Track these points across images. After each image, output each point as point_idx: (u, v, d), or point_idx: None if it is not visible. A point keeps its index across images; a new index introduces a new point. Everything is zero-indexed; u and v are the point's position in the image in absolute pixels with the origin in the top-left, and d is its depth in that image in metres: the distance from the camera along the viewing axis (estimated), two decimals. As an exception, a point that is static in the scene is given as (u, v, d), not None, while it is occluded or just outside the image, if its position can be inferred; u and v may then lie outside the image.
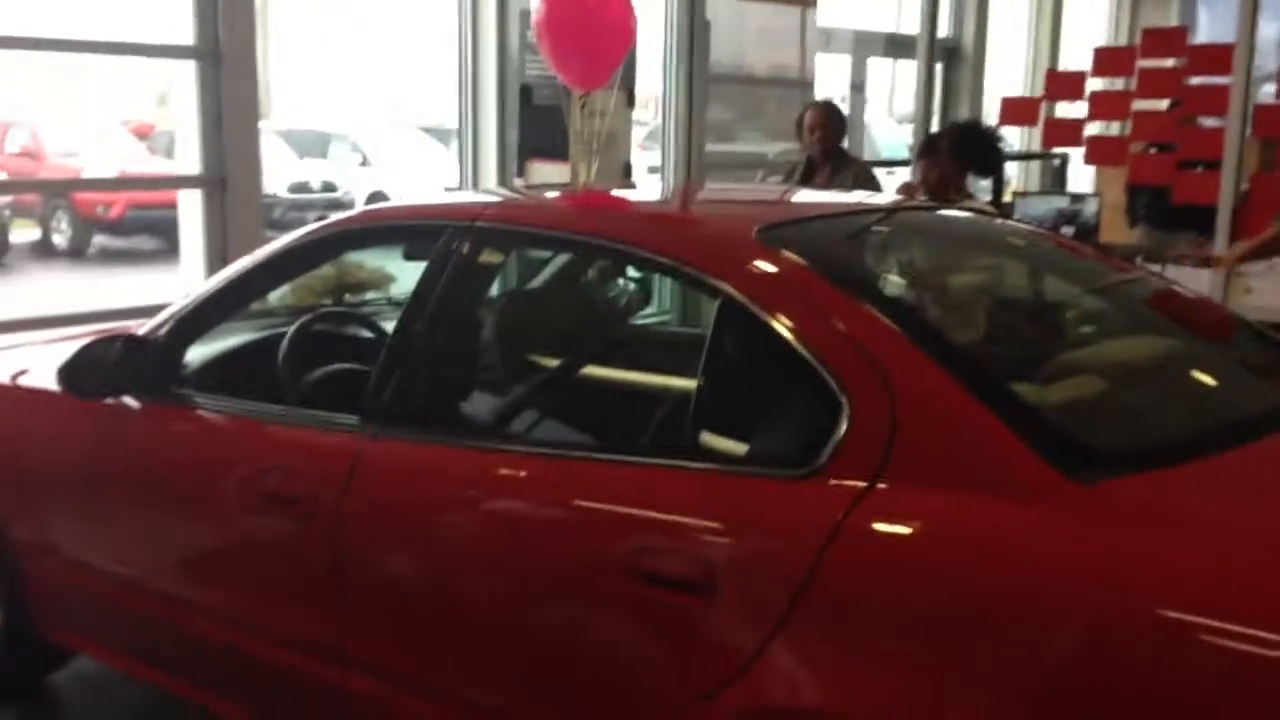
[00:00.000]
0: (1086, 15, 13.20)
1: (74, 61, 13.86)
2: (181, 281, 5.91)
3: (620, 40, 3.94)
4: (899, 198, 4.40)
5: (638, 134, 9.25)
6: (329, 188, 14.45)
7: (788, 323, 2.15)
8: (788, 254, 2.30)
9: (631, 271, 2.54)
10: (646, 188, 3.44)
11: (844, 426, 2.02)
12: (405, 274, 3.40)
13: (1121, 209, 6.37)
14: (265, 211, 9.86)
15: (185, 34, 5.53)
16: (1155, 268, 5.48)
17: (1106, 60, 5.97)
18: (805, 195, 3.65)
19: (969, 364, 2.14)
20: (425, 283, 2.68)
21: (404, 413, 2.54)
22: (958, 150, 4.41)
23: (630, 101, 6.91)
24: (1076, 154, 6.48)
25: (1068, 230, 6.51)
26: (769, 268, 2.27)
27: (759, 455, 2.16)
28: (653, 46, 8.11)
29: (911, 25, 9.02)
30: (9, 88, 13.13)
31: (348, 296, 3.48)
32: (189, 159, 5.74)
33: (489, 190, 4.99)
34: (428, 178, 14.31)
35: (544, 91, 6.52)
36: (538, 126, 6.59)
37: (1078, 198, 7.35)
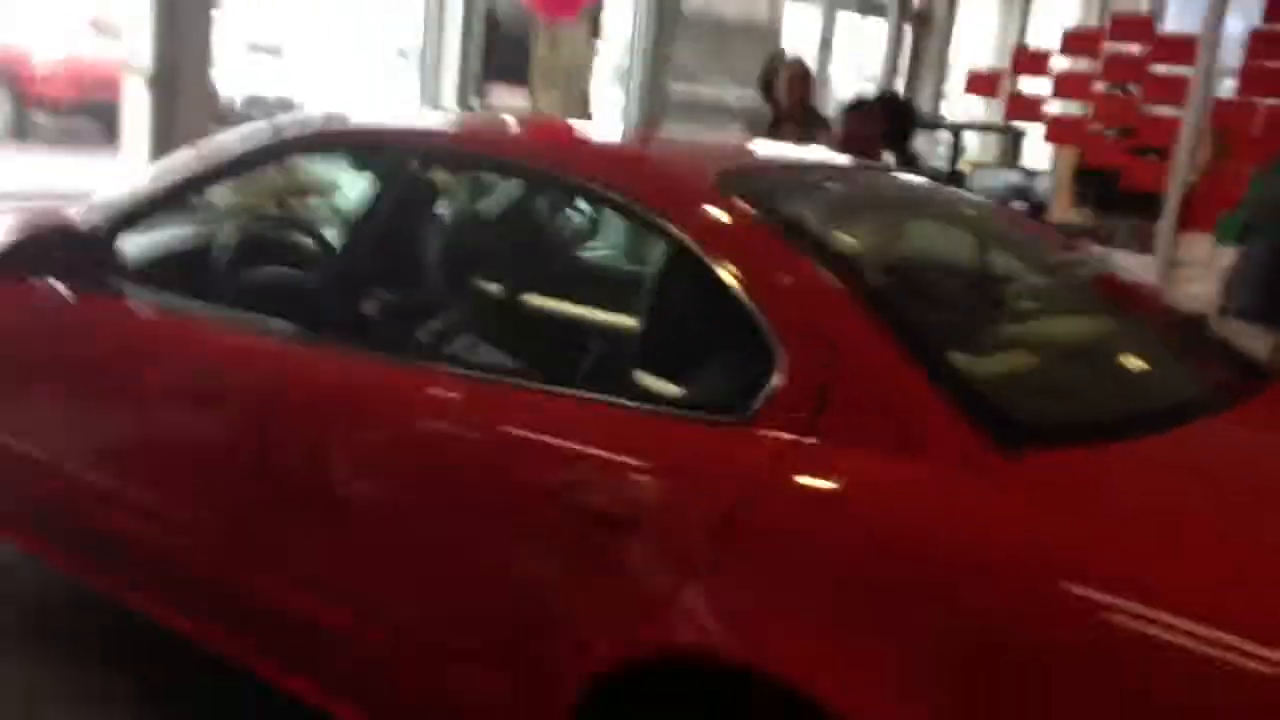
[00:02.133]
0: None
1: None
2: (122, 172, 5.79)
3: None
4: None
5: (605, 70, 9.21)
6: (286, 104, 14.10)
7: (733, 270, 2.15)
8: (742, 203, 2.29)
9: (582, 204, 2.51)
10: (608, 125, 3.41)
11: (777, 378, 2.03)
12: (351, 183, 3.35)
13: (1069, 188, 6.44)
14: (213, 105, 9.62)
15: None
16: (1100, 249, 5.57)
17: (1074, 41, 6.00)
18: (770, 148, 3.62)
19: (907, 328, 2.15)
20: (372, 199, 2.64)
21: (339, 325, 2.51)
22: (889, 118, 4.50)
23: (596, 33, 6.84)
24: (1036, 131, 6.52)
25: (1019, 204, 6.58)
26: (722, 214, 2.26)
27: (692, 399, 2.17)
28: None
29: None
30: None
31: (291, 199, 3.41)
32: (139, 49, 5.60)
33: (445, 111, 4.89)
34: (391, 96, 14.04)
35: (510, 16, 6.44)
36: (502, 52, 6.51)
37: (1031, 173, 7.43)
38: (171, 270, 2.94)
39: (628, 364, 2.27)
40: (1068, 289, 2.98)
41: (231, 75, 12.77)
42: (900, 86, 8.94)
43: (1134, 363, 2.69)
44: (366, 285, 2.59)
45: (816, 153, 3.50)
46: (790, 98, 5.38)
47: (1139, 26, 5.92)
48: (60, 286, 2.84)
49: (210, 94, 5.82)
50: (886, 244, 2.72)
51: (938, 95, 10.51)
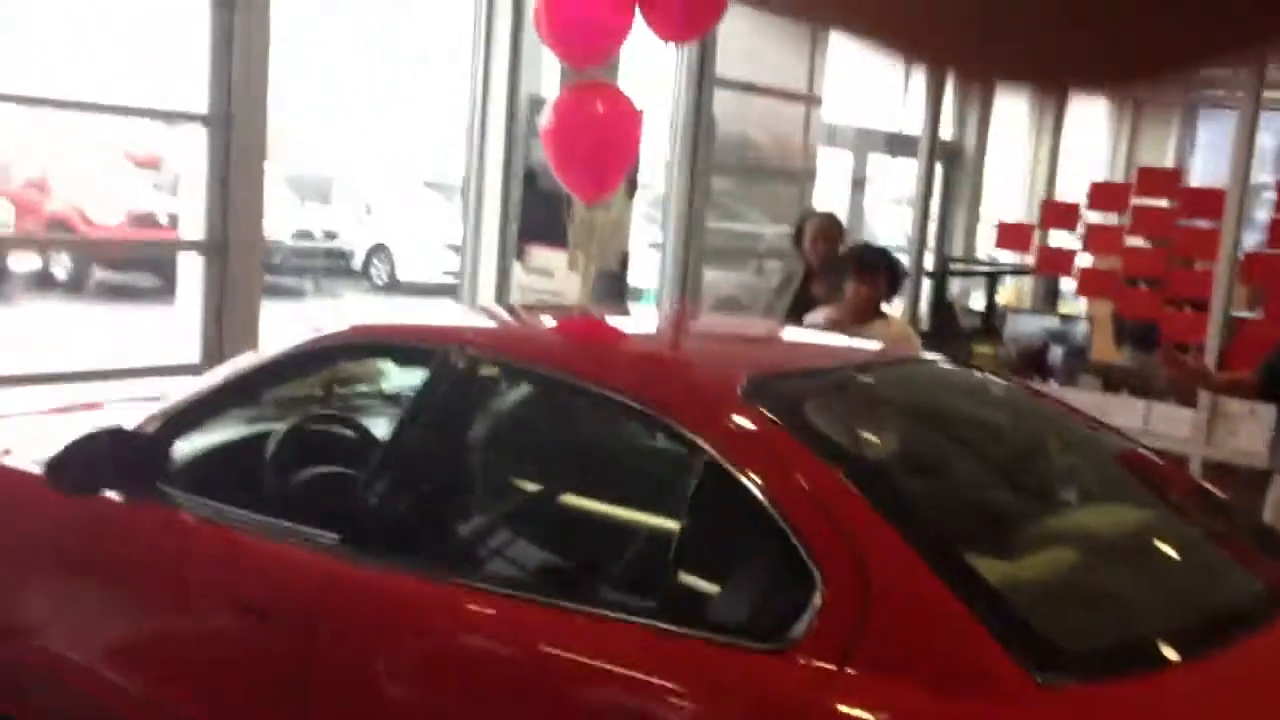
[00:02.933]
0: (1085, 122, 13.46)
1: (84, 81, 13.96)
2: (177, 333, 5.96)
3: (627, 155, 4.01)
4: (831, 324, 4.48)
5: (641, 203, 9.43)
6: (331, 236, 14.52)
7: (766, 489, 2.19)
8: (772, 416, 2.35)
9: (616, 416, 2.56)
10: (640, 318, 3.49)
11: (816, 604, 2.05)
12: (395, 376, 3.45)
13: (1110, 330, 6.45)
14: (266, 259, 9.91)
15: (198, 100, 5.62)
16: (1141, 404, 5.56)
17: (1101, 195, 6.09)
18: (800, 339, 3.68)
19: (942, 544, 2.17)
20: (409, 406, 2.73)
21: (382, 539, 2.56)
22: (891, 276, 4.62)
23: (632, 191, 7.01)
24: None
25: (1058, 349, 6.60)
26: (753, 430, 2.32)
27: (729, 622, 2.19)
28: (658, 125, 8.25)
29: (914, 126, 9.19)
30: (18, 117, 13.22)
31: (338, 389, 3.51)
32: (192, 222, 5.80)
33: (482, 308, 4.99)
34: (430, 231, 14.43)
35: (548, 178, 6.63)
36: (540, 210, 6.67)
37: (1067, 318, 7.45)
38: (222, 475, 3.01)
39: (664, 583, 2.29)
40: (1100, 475, 2.99)
41: (278, 220, 13.21)
42: (932, 227, 9.05)
43: (1177, 563, 2.66)
44: (401, 496, 2.65)
45: (844, 344, 3.56)
46: (815, 253, 5.46)
47: (1166, 179, 6.01)
48: (114, 495, 2.92)
49: (261, 259, 6.00)
50: (919, 446, 2.75)
51: (971, 235, 10.63)
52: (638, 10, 3.67)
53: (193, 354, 5.72)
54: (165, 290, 9.54)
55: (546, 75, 6.70)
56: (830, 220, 5.76)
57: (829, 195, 11.70)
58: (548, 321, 3.45)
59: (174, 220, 8.01)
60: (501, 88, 6.91)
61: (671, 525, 2.37)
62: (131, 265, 12.61)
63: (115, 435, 2.96)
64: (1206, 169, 11.87)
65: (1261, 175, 6.81)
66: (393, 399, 3.35)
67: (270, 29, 5.82)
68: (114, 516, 2.93)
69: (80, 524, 3.00)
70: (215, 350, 5.66)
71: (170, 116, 6.16)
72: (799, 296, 5.48)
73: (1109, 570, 2.49)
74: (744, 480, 2.22)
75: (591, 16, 3.63)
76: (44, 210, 12.79)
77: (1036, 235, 6.15)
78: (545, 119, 3.88)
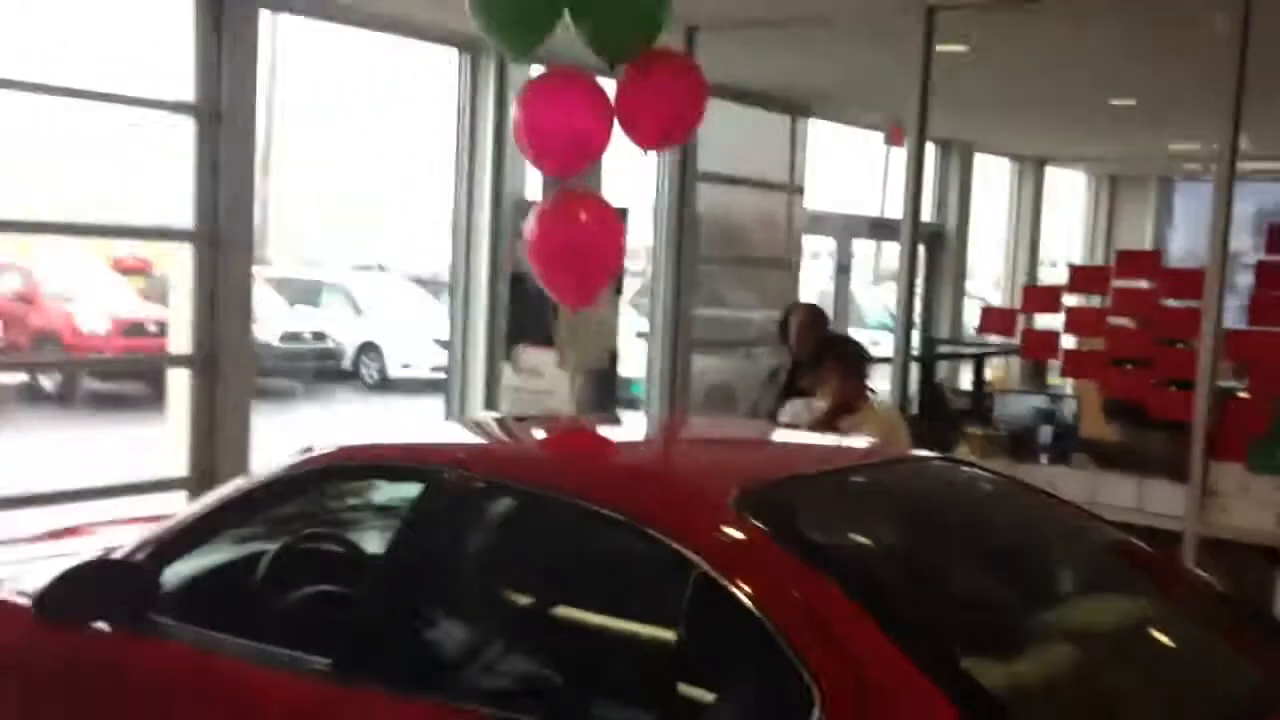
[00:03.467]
0: (1065, 200, 13.67)
1: (73, 198, 14.10)
2: (167, 448, 5.95)
3: (611, 264, 4.05)
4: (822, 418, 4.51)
5: (629, 291, 9.52)
6: (320, 337, 14.58)
7: (763, 606, 2.18)
8: (764, 527, 2.35)
9: (608, 532, 2.56)
10: (630, 426, 3.52)
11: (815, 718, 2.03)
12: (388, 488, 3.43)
13: (1099, 406, 6.47)
14: (257, 362, 9.90)
15: (184, 217, 5.68)
16: (1132, 481, 5.56)
17: (1082, 278, 6.16)
18: (792, 441, 3.69)
19: (939, 652, 2.17)
20: (399, 530, 2.72)
21: (372, 662, 2.54)
22: (862, 364, 4.70)
23: (618, 290, 7.07)
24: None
25: (1047, 429, 6.61)
26: (745, 541, 2.32)
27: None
28: (644, 216, 8.37)
29: (896, 209, 9.33)
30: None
31: (328, 505, 3.50)
32: (181, 334, 5.83)
33: (472, 423, 4.97)
34: (418, 328, 14.50)
35: (535, 279, 6.68)
36: (527, 310, 6.72)
37: (1056, 397, 7.48)
38: (214, 601, 2.99)
39: (661, 701, 2.28)
40: (1094, 569, 2.98)
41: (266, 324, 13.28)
42: (918, 307, 9.14)
43: (1174, 656, 2.65)
44: (391, 619, 2.62)
45: (833, 444, 3.57)
46: (801, 344, 5.49)
47: (1145, 261, 6.09)
48: (104, 627, 2.89)
49: (251, 374, 6.02)
50: (911, 549, 2.74)
51: (956, 315, 10.72)
52: (616, 122, 3.73)
53: (181, 468, 5.72)
54: (155, 399, 9.54)
55: (531, 176, 6.80)
56: (814, 311, 5.80)
57: (815, 280, 11.84)
58: (537, 435, 3.45)
59: (163, 328, 8.03)
60: (486, 189, 7.02)
61: (667, 641, 2.35)
62: (121, 374, 12.63)
63: (103, 565, 2.95)
64: (1187, 239, 12.05)
65: (1242, 239, 6.90)
66: (384, 516, 3.34)
67: (254, 144, 5.92)
68: (105, 649, 2.90)
69: (71, 657, 2.96)
70: (206, 464, 5.66)
71: (158, 234, 6.21)
72: (787, 388, 5.50)
73: (1106, 667, 2.47)
74: (738, 594, 2.22)
75: (569, 130, 3.68)
76: (30, 323, 12.83)
77: (1020, 319, 6.20)
78: (528, 228, 3.92)
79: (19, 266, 13.76)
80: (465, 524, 2.73)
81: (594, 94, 3.75)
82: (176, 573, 3.03)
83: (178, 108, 5.64)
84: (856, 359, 4.70)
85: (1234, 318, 6.28)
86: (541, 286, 4.08)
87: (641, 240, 8.85)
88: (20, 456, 9.48)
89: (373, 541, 3.22)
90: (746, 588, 2.21)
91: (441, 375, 8.04)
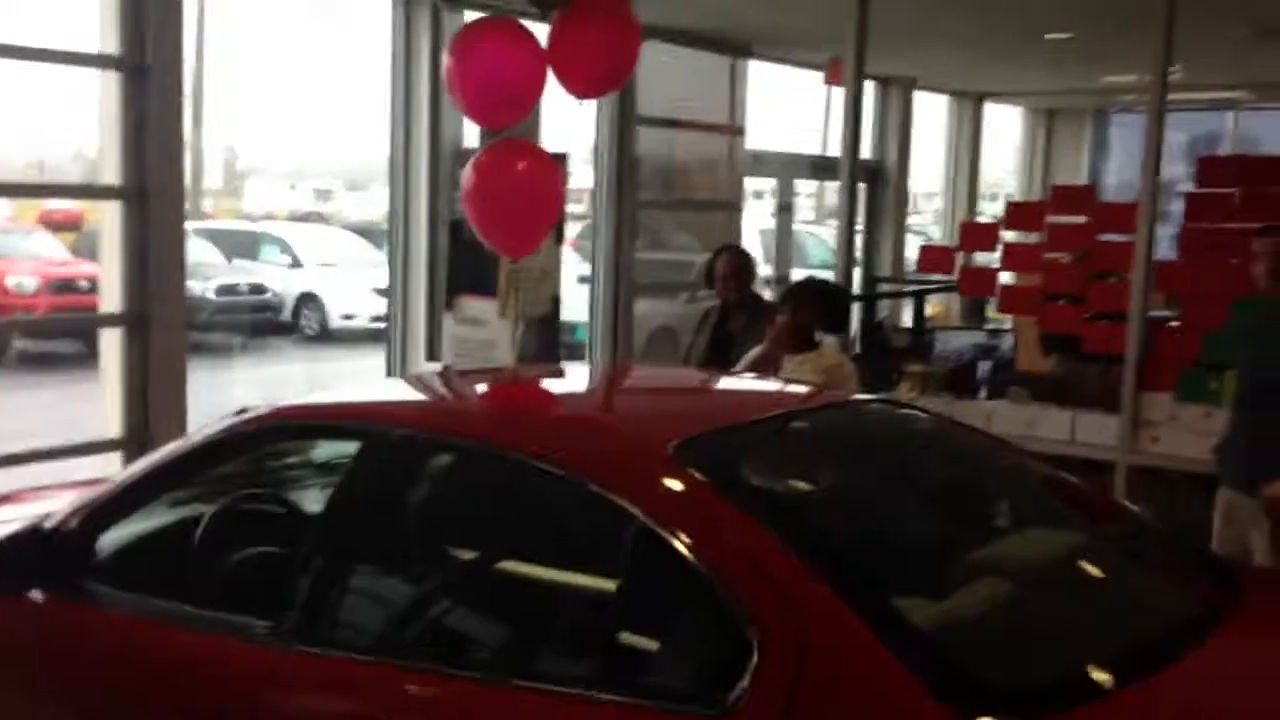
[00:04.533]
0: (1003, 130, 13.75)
1: None
2: (101, 408, 5.85)
3: (550, 214, 4.01)
4: (765, 357, 4.53)
5: (570, 235, 9.48)
6: (258, 289, 14.35)
7: (701, 554, 2.20)
8: (702, 477, 2.36)
9: (546, 484, 2.56)
10: (570, 376, 3.50)
11: (753, 667, 2.06)
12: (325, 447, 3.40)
13: (1037, 340, 6.56)
14: (194, 317, 9.74)
15: (110, 174, 5.54)
16: (1067, 414, 5.65)
17: (1019, 215, 6.20)
18: (725, 384, 3.70)
19: (875, 595, 2.20)
20: (340, 490, 2.70)
21: (318, 625, 2.53)
22: (826, 305, 4.69)
23: (559, 238, 7.02)
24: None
25: (985, 363, 6.70)
26: (683, 491, 2.33)
27: (667, 689, 2.19)
28: (584, 160, 8.31)
29: (837, 149, 9.34)
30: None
31: (266, 465, 3.46)
32: (112, 292, 5.71)
33: (412, 379, 4.86)
34: (358, 278, 14.32)
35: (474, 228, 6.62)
36: (468, 259, 6.65)
37: (995, 332, 7.57)
38: (149, 568, 2.96)
39: (602, 652, 2.29)
40: (1027, 504, 3.04)
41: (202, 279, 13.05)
42: (859, 245, 9.17)
43: (1106, 587, 2.71)
44: (331, 579, 2.60)
45: (773, 390, 3.58)
46: (727, 288, 5.43)
47: (1080, 196, 6.15)
48: (37, 595, 2.85)
49: (182, 331, 5.91)
50: (849, 493, 2.78)
51: (899, 252, 10.77)
52: (549, 70, 3.67)
53: (116, 430, 5.62)
54: (90, 357, 9.38)
55: (469, 125, 6.71)
56: (739, 254, 5.74)
57: (757, 220, 11.84)
58: (477, 389, 3.43)
59: (95, 284, 7.86)
60: (424, 138, 6.91)
61: (609, 593, 2.37)
62: (54, 331, 12.35)
63: (35, 533, 2.90)
64: (1123, 169, 12.18)
65: (1177, 168, 6.97)
66: (322, 475, 3.31)
67: (182, 97, 5.77)
68: (40, 618, 2.87)
69: (7, 627, 2.92)
70: (140, 424, 5.57)
71: (86, 193, 6.05)
72: (716, 332, 5.47)
73: (1039, 601, 2.53)
74: (676, 544, 2.23)
75: (502, 79, 3.62)
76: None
77: (959, 257, 6.24)
78: (466, 180, 3.87)
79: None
80: (403, 482, 2.71)
81: (525, 42, 3.69)
82: (111, 539, 2.99)
83: (102, 61, 5.47)
84: (800, 298, 4.68)
85: (1167, 246, 6.39)
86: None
87: (582, 183, 8.82)
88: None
89: (312, 502, 3.19)
90: (685, 538, 2.23)
91: (383, 326, 7.95)
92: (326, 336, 14.36)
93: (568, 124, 6.73)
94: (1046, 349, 6.46)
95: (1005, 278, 6.16)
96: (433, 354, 6.93)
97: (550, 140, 6.54)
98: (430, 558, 2.75)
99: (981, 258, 6.67)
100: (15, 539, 2.86)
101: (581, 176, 8.41)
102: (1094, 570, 2.80)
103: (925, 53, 9.27)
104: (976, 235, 6.41)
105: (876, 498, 2.77)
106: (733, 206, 9.56)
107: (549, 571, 2.58)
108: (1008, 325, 7.20)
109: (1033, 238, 6.11)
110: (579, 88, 3.76)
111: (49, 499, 3.44)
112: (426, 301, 6.97)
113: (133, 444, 5.49)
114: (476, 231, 3.94)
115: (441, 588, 2.67)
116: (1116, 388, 5.51)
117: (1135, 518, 3.15)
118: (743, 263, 5.57)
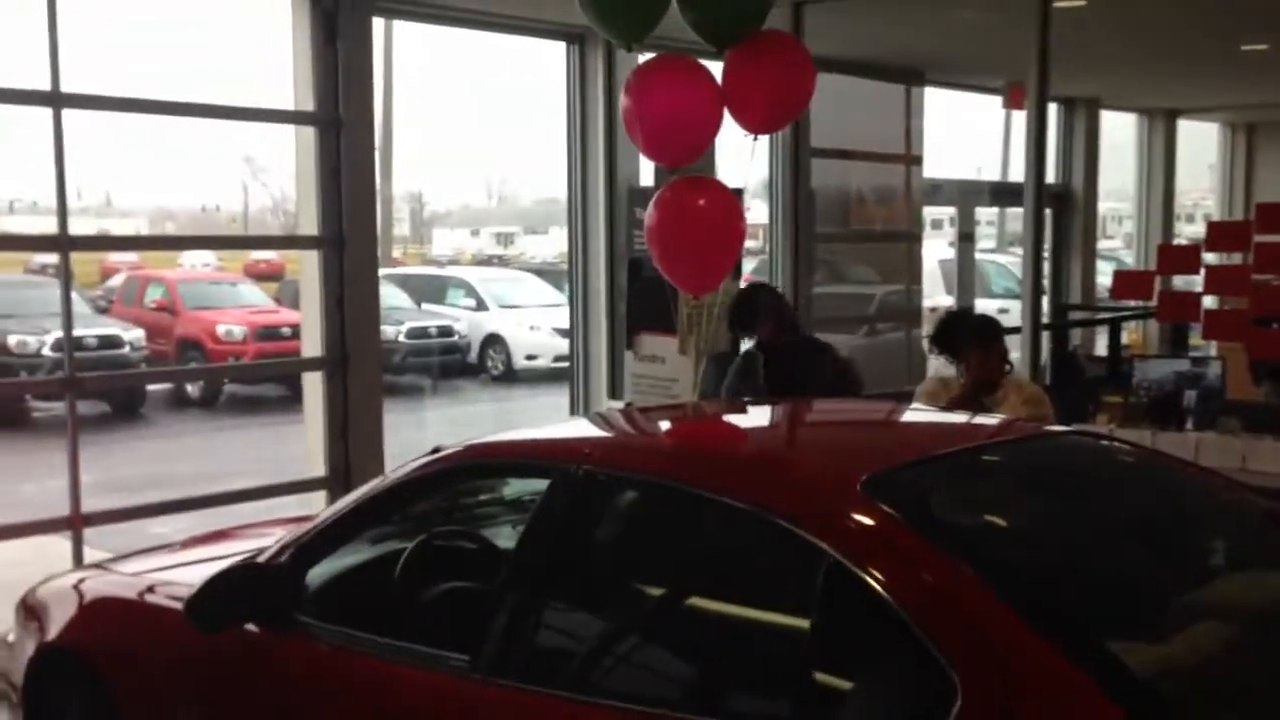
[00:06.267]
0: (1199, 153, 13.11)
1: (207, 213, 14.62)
2: (306, 448, 6.13)
3: (731, 250, 4.01)
4: (963, 398, 4.39)
5: (747, 266, 9.47)
6: (446, 332, 14.84)
7: (896, 594, 2.14)
8: (893, 512, 2.31)
9: (738, 524, 2.54)
10: (754, 415, 3.44)
11: (956, 711, 1.98)
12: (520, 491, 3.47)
13: (1245, 368, 6.20)
14: (386, 360, 10.13)
15: (309, 225, 5.83)
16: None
17: (1221, 235, 5.88)
18: (914, 417, 3.60)
19: (1084, 636, 2.10)
20: (532, 526, 2.75)
21: (513, 659, 2.57)
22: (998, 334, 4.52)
23: (737, 274, 7.03)
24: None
25: (1191, 393, 6.35)
26: (874, 528, 2.28)
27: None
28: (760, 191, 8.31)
29: (1019, 174, 9.08)
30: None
31: (462, 501, 3.55)
32: (311, 341, 5.99)
33: (600, 417, 4.73)
34: (541, 319, 14.68)
35: (653, 265, 6.68)
36: (647, 296, 6.72)
37: (1200, 360, 7.18)
38: (353, 601, 3.06)
39: (797, 693, 2.25)
40: (1245, 542, 2.85)
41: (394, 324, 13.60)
42: (1047, 270, 8.88)
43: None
44: (525, 615, 2.64)
45: (964, 422, 3.48)
46: (764, 330, 4.88)
47: (1288, 212, 5.78)
48: (251, 628, 2.99)
49: (379, 373, 6.15)
50: (1050, 529, 2.65)
51: (1088, 279, 10.37)
52: (725, 107, 3.69)
53: (319, 469, 5.88)
54: (290, 400, 9.88)
55: (645, 162, 6.80)
56: (771, 295, 5.22)
57: (937, 249, 11.60)
58: (661, 426, 3.45)
59: (296, 330, 8.29)
60: (600, 177, 7.04)
61: (800, 631, 2.32)
62: (260, 376, 13.06)
63: (248, 570, 3.05)
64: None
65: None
66: (514, 511, 3.38)
67: (373, 149, 6.05)
68: (254, 649, 3.00)
69: (224, 659, 3.07)
70: (341, 463, 5.82)
71: (289, 243, 6.39)
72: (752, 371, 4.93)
73: (1268, 649, 2.36)
74: (869, 580, 2.18)
75: (679, 117, 3.66)
76: (174, 332, 13.37)
77: (1157, 281, 5.96)
78: (647, 216, 3.91)
79: (163, 278, 14.39)
80: (594, 518, 2.74)
81: (701, 80, 3.72)
82: (318, 573, 3.12)
83: (302, 118, 5.79)
84: (991, 332, 4.57)
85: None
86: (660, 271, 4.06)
87: (756, 217, 8.82)
88: (170, 462, 9.93)
89: (505, 538, 3.26)
90: (878, 575, 2.17)
91: (565, 365, 8.10)
92: (511, 377, 14.74)
93: (741, 158, 6.76)
94: (1256, 377, 6.10)
95: (1208, 302, 5.84)
96: (614, 391, 7.01)
97: (724, 174, 6.58)
98: (619, 593, 2.76)
99: (1179, 281, 6.36)
100: (231, 573, 3.01)
101: (755, 210, 8.42)
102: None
103: (1110, 71, 8.94)
104: (1176, 258, 6.10)
105: (1081, 534, 2.64)
106: (912, 237, 9.41)
107: (739, 609, 2.55)
108: (1213, 352, 6.83)
109: (1237, 259, 5.78)
110: (754, 124, 3.77)
111: (261, 535, 3.62)
112: (607, 340, 7.07)
113: (335, 482, 5.74)
114: (660, 269, 3.97)
115: (630, 624, 2.67)
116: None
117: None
118: (780, 305, 5.02)
